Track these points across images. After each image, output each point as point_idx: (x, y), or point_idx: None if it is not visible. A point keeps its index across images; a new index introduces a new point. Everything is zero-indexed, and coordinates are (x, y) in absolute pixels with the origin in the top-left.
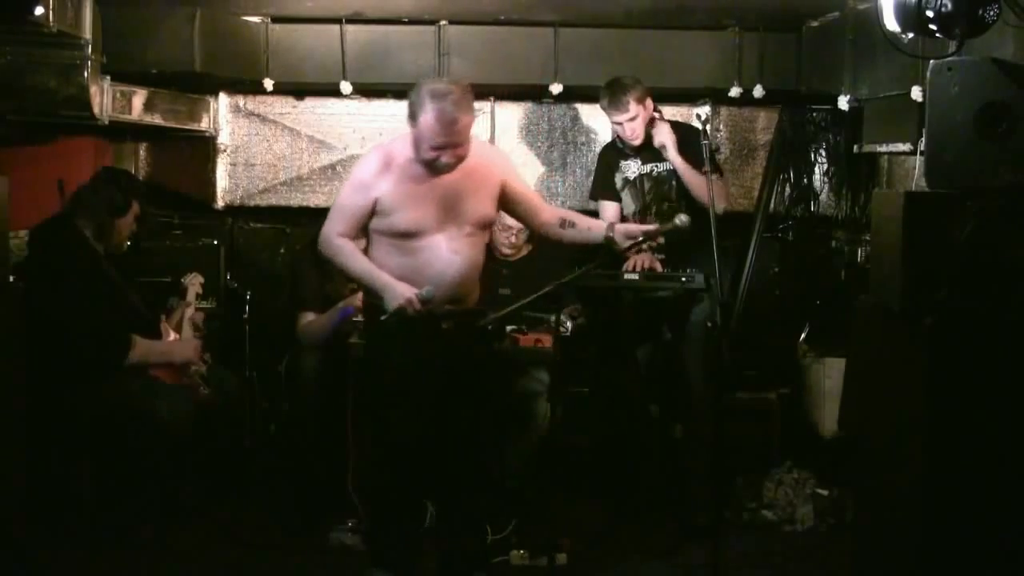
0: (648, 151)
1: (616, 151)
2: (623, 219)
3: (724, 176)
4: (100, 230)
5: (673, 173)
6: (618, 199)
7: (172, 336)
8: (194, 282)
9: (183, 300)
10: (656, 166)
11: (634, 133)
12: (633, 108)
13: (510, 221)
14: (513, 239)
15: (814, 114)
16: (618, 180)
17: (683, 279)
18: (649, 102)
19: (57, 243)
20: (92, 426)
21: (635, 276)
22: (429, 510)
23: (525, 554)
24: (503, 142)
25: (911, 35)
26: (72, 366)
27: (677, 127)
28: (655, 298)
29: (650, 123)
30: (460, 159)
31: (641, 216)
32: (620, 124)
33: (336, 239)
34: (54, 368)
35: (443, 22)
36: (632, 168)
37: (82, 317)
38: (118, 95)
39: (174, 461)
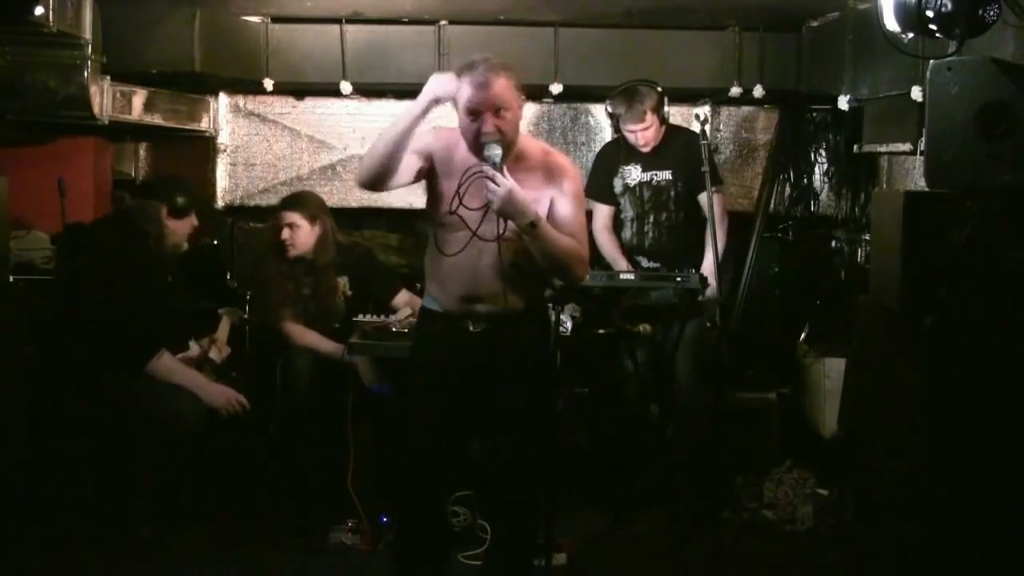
0: (650, 158)
1: (618, 152)
2: (619, 224)
3: (722, 187)
4: (154, 226)
5: (672, 183)
6: (614, 202)
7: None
8: (227, 320)
9: (214, 333)
10: (656, 174)
11: (647, 142)
12: (649, 118)
13: None
14: None
15: (814, 114)
16: (617, 184)
17: (678, 279)
18: (663, 108)
19: (116, 238)
20: (99, 424)
21: (631, 276)
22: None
23: None
24: None
25: (911, 35)
26: (93, 358)
27: (679, 132)
28: (654, 298)
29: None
30: (503, 135)
31: (638, 223)
32: (633, 132)
33: None
34: (72, 359)
35: (443, 22)
36: (633, 174)
37: (118, 310)
38: (118, 95)
39: (178, 461)
